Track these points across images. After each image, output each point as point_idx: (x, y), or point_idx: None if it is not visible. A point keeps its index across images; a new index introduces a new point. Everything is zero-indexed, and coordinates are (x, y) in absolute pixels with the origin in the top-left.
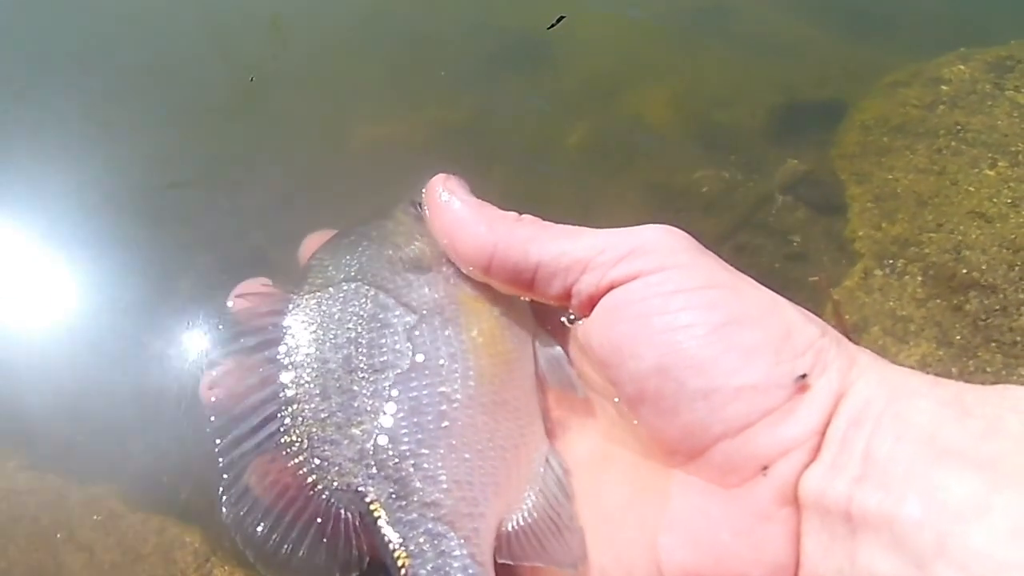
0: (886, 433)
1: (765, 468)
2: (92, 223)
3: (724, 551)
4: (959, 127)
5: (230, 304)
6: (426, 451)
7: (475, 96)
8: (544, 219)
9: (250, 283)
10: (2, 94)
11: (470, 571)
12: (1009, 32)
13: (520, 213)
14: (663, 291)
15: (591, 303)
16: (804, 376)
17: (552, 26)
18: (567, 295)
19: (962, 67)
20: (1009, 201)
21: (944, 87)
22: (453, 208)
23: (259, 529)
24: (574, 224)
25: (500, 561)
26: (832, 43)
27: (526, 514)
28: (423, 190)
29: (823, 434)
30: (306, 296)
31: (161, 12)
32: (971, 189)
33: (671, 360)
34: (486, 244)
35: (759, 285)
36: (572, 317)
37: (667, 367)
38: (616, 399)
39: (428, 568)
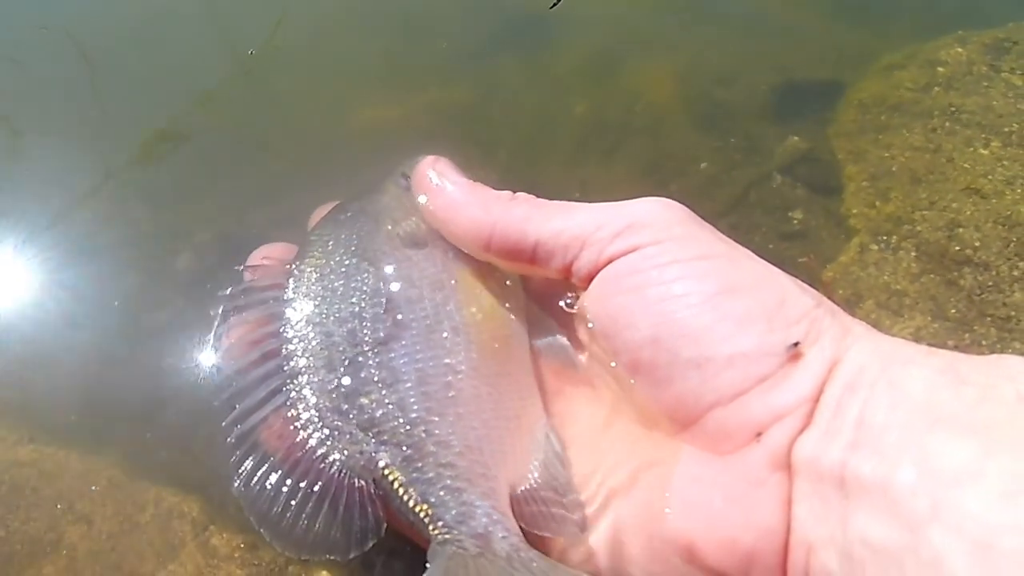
0: (880, 400)
1: (759, 434)
2: (89, 200)
3: (716, 515)
4: (954, 108)
5: (243, 272)
6: (436, 418)
7: (475, 75)
8: (541, 195)
9: (269, 247)
10: None
11: (494, 516)
12: (1008, 14)
13: (515, 191)
14: (658, 263)
15: (590, 277)
16: (797, 344)
17: (554, 5)
18: (567, 271)
19: (959, 49)
20: (1003, 179)
21: (940, 68)
22: (447, 191)
23: (273, 506)
24: (573, 200)
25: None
26: (830, 25)
27: (532, 483)
28: (413, 164)
29: (816, 400)
30: (308, 271)
31: None
32: (966, 167)
33: (665, 330)
34: (483, 226)
35: (755, 256)
36: (569, 301)
37: (661, 337)
38: (613, 365)
39: (452, 514)
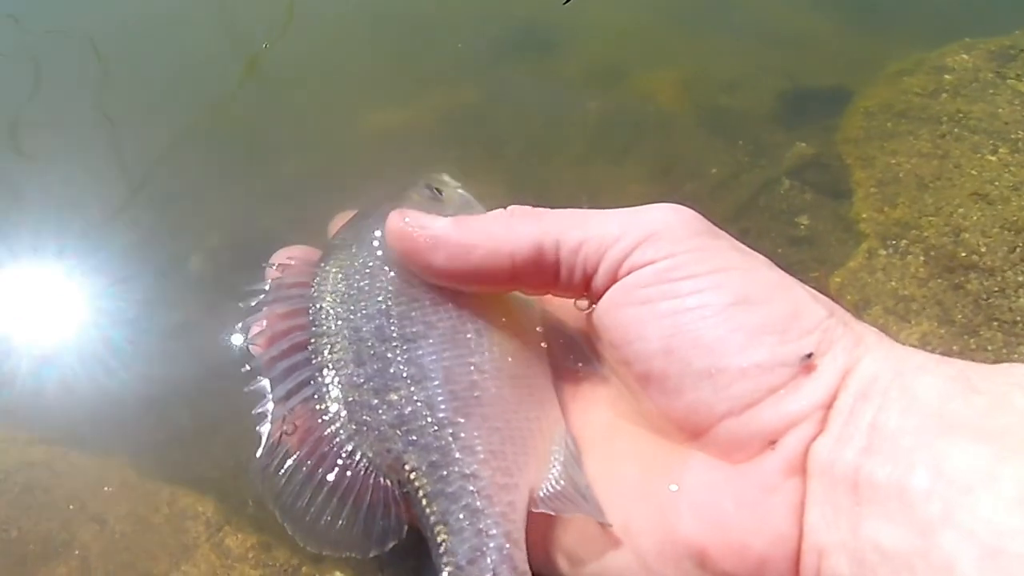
0: (893, 406)
1: (773, 443)
2: (100, 201)
3: (727, 521)
4: (961, 114)
5: (268, 270)
6: (462, 420)
7: (484, 79)
8: (551, 199)
9: (290, 249)
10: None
11: (504, 551)
12: (1013, 22)
13: (520, 201)
14: (672, 277)
15: (605, 291)
16: (810, 355)
17: (567, 1)
18: (579, 288)
19: (965, 56)
20: (1010, 185)
21: (947, 76)
22: (420, 239)
23: (297, 499)
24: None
25: (535, 511)
26: (837, 32)
27: (553, 482)
28: (438, 175)
29: (829, 408)
30: (333, 271)
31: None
32: (973, 173)
33: (677, 341)
34: (470, 265)
35: (771, 264)
36: (585, 304)
37: (673, 348)
38: (625, 375)
39: (466, 547)
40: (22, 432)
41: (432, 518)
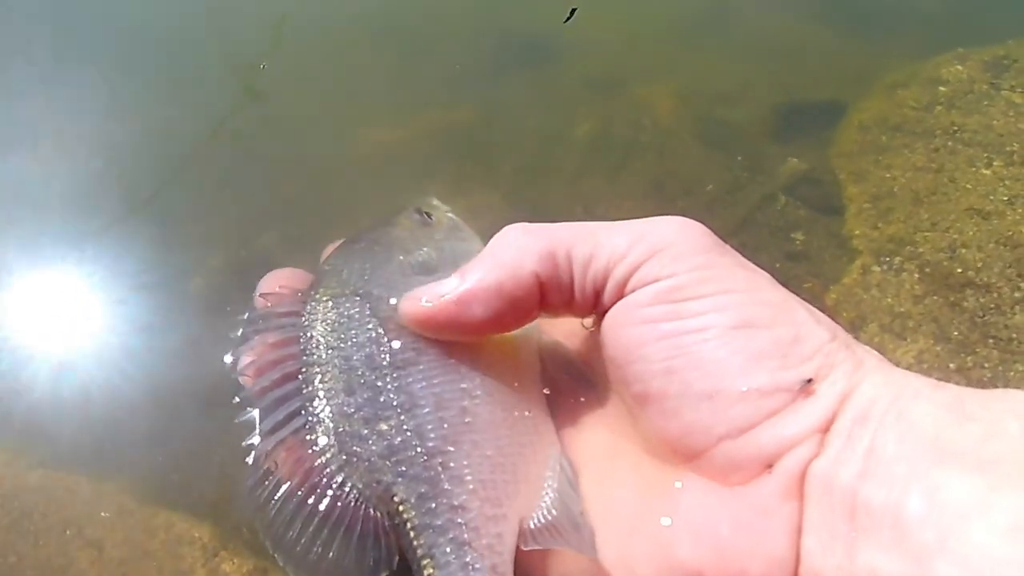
0: (889, 432)
1: (770, 466)
2: (100, 222)
3: (724, 545)
4: (956, 127)
5: (256, 298)
6: (451, 448)
7: (479, 95)
8: (547, 214)
9: (279, 273)
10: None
11: None
12: (1006, 31)
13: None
14: (676, 297)
15: (610, 307)
16: (810, 381)
17: (568, 19)
18: (596, 302)
19: (959, 67)
20: (1005, 199)
21: (942, 87)
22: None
23: (288, 530)
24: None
25: (525, 548)
26: (831, 44)
27: (544, 512)
28: (428, 198)
29: (827, 431)
30: (324, 299)
31: (165, 15)
32: (968, 187)
33: (678, 362)
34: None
35: (775, 283)
36: (590, 322)
37: (674, 369)
38: (624, 395)
39: None
40: (19, 457)
41: (420, 551)
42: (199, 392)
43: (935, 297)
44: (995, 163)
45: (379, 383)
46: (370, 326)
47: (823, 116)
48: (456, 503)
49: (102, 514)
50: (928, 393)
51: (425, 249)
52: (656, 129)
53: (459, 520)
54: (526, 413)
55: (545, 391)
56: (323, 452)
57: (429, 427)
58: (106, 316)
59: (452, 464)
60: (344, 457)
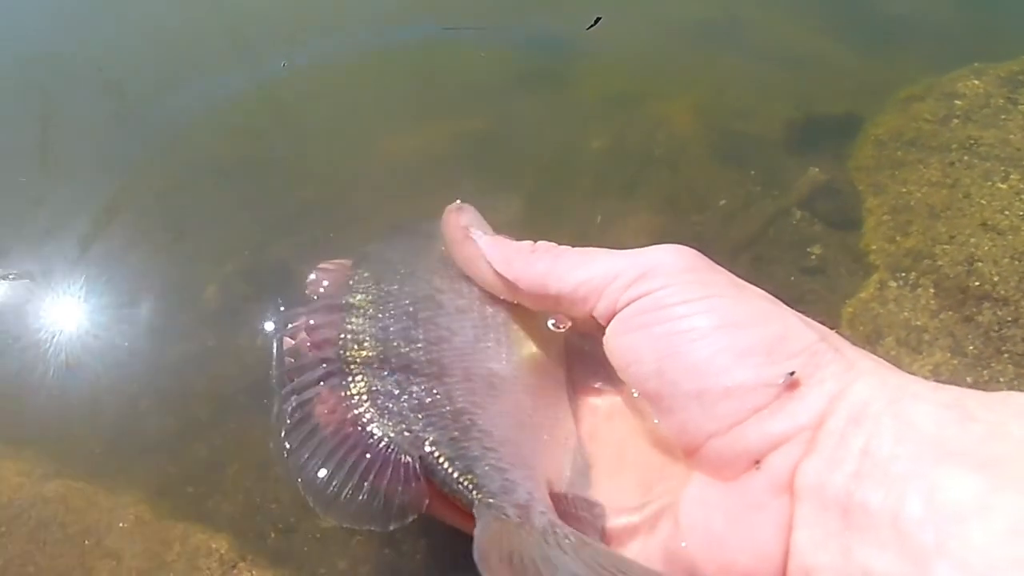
0: (886, 433)
1: (757, 462)
2: (114, 230)
3: (716, 537)
4: (972, 141)
5: (311, 277)
6: (479, 411)
7: (497, 107)
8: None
9: (326, 263)
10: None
11: (535, 494)
12: (1023, 46)
13: (536, 241)
14: (666, 303)
15: (608, 321)
16: (792, 373)
17: (591, 27)
18: (590, 316)
19: (976, 82)
20: (1021, 214)
21: (958, 101)
22: (470, 246)
23: (319, 473)
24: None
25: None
26: (847, 58)
27: (565, 486)
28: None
29: (817, 430)
30: (366, 275)
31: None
32: (983, 202)
33: (669, 364)
34: (507, 281)
35: (767, 295)
36: (551, 322)
37: (665, 369)
38: (635, 394)
39: (496, 485)
40: (36, 467)
41: (456, 473)
42: (215, 402)
43: (951, 312)
44: (1012, 176)
45: (413, 354)
46: (407, 302)
47: (839, 130)
48: (488, 445)
49: (120, 524)
50: (928, 394)
51: None
52: (671, 142)
53: (492, 456)
54: (548, 402)
55: (566, 385)
56: (356, 405)
57: (458, 393)
58: (115, 325)
59: (480, 422)
60: (377, 410)
